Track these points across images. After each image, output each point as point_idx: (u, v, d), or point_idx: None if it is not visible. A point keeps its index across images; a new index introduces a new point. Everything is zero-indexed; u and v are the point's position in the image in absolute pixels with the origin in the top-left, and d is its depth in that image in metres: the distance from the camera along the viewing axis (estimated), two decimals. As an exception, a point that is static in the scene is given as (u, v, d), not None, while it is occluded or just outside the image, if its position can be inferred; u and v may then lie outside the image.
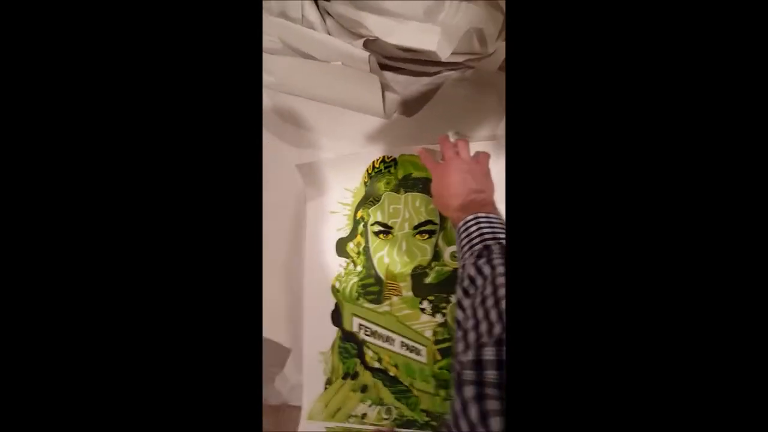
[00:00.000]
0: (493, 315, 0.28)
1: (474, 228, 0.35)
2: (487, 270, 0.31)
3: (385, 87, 0.49)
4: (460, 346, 0.30)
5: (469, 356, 0.27)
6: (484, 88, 0.53)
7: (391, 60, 0.53)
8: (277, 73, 0.49)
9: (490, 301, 0.28)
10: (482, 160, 0.43)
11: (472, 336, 0.28)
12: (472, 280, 0.32)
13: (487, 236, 0.34)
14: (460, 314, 0.32)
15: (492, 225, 0.36)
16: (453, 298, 0.50)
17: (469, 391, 0.25)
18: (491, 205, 0.40)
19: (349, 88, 0.49)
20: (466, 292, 0.32)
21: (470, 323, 0.29)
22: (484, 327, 0.28)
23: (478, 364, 0.26)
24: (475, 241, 0.35)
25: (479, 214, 0.37)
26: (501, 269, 0.30)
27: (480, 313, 0.28)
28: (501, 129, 0.51)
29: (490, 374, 0.25)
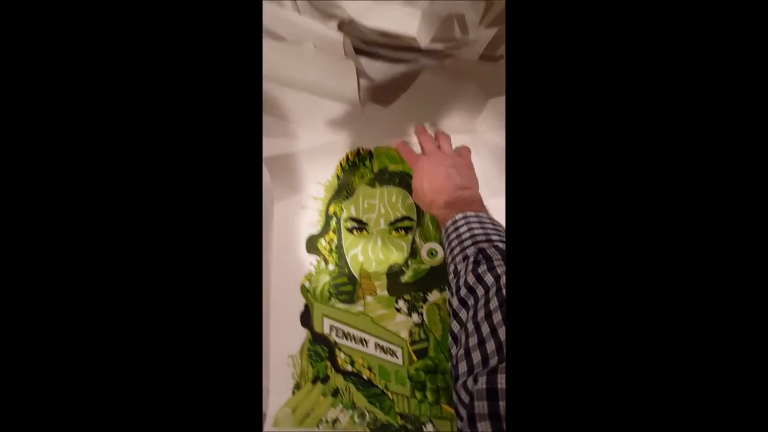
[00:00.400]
0: (502, 333, 0.24)
1: (464, 228, 0.33)
2: (489, 279, 0.28)
3: (359, 73, 0.45)
4: (463, 368, 0.26)
5: (481, 384, 0.23)
6: (463, 78, 0.51)
7: (366, 44, 0.50)
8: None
9: (496, 317, 0.25)
10: (465, 155, 0.40)
11: (477, 356, 0.25)
12: (471, 290, 0.29)
13: (479, 238, 0.32)
14: (456, 327, 0.29)
15: (483, 225, 0.33)
16: (430, 297, 0.48)
17: (485, 427, 0.21)
18: (478, 203, 0.38)
19: (321, 74, 0.46)
20: (464, 303, 0.30)
21: (473, 341, 0.26)
22: (491, 346, 0.24)
23: (493, 394, 0.22)
24: (466, 243, 0.32)
25: (468, 214, 0.34)
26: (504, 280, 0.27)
27: (485, 329, 0.25)
28: (480, 122, 0.49)
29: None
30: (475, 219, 0.34)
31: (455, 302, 0.29)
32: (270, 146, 0.51)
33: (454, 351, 0.27)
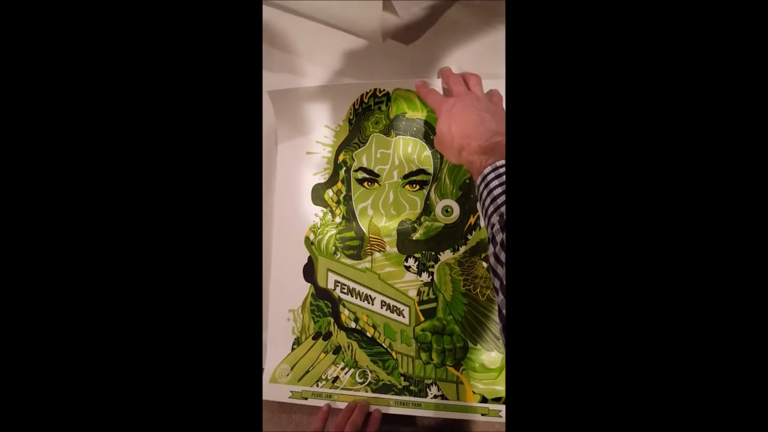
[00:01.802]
0: None
1: None
2: None
3: (384, 4, 0.40)
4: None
5: None
6: (495, 19, 0.45)
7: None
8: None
9: None
10: (497, 100, 0.36)
11: None
12: None
13: None
14: (500, 271, 0.25)
15: None
16: (441, 257, 0.45)
17: None
18: None
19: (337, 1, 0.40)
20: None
21: None
22: None
23: None
24: None
25: None
26: None
27: None
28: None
29: None
30: None
31: (494, 262, 0.25)
32: (273, 81, 0.46)
33: (499, 299, 0.25)
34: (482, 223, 0.30)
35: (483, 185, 0.28)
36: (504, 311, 0.23)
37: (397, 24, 0.43)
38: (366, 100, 0.46)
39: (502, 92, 0.41)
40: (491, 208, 0.26)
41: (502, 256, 0.24)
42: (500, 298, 0.24)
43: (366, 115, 0.46)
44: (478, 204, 0.30)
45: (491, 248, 0.26)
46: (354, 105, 0.46)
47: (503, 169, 0.27)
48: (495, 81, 0.43)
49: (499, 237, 0.25)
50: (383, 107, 0.46)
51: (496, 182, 0.27)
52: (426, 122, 0.45)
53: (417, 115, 0.45)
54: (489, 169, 0.28)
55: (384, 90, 0.45)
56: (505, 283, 0.23)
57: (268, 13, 0.46)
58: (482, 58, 0.44)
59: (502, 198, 0.26)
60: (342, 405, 0.44)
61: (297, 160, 0.47)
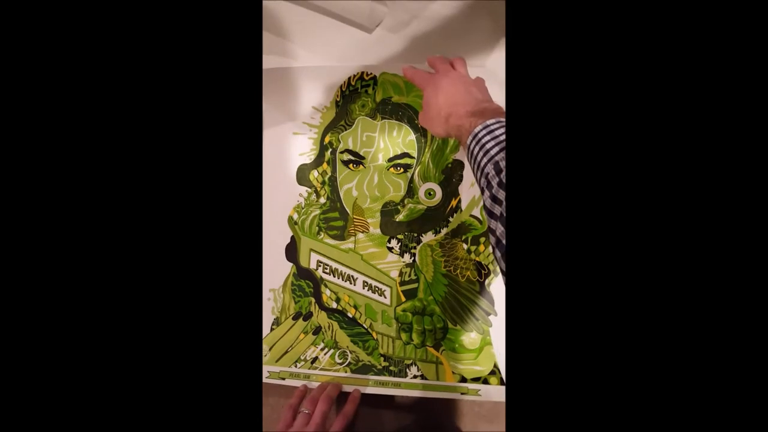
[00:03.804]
0: None
1: (501, 131, 0.28)
2: None
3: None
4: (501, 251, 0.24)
5: None
6: (478, 13, 0.48)
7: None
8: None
9: None
10: (480, 84, 0.37)
11: None
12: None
13: None
14: (493, 222, 0.26)
15: None
16: (424, 238, 0.46)
17: None
18: (505, 115, 0.32)
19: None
20: (498, 200, 0.26)
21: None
22: None
23: None
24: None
25: (502, 119, 0.29)
26: None
27: None
28: (492, 61, 0.47)
29: None
30: None
31: (488, 201, 0.26)
32: (265, 62, 0.47)
33: (493, 241, 0.25)
34: (474, 177, 0.30)
35: (474, 142, 0.29)
36: (504, 240, 0.24)
37: (386, 13, 0.45)
38: (353, 83, 0.47)
39: (486, 79, 0.43)
40: (484, 160, 0.27)
41: (500, 195, 0.25)
42: (501, 229, 0.25)
43: (353, 98, 0.47)
44: (468, 162, 0.31)
45: (486, 193, 0.26)
46: (341, 87, 0.47)
47: (494, 127, 0.28)
48: (479, 69, 0.45)
49: (495, 180, 0.26)
50: (370, 91, 0.47)
51: (488, 137, 0.28)
52: (411, 107, 0.47)
53: (403, 99, 0.47)
54: (480, 127, 0.29)
55: (371, 74, 0.47)
56: (506, 214, 0.24)
57: (260, -3, 0.47)
58: (467, 49, 0.46)
59: (495, 150, 0.27)
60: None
61: (283, 139, 0.48)
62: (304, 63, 0.47)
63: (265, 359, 0.45)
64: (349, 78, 0.47)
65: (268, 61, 0.46)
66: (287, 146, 0.48)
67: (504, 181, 0.25)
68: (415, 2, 0.48)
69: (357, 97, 0.47)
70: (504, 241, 0.24)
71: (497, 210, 0.25)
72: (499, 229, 0.25)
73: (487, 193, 0.26)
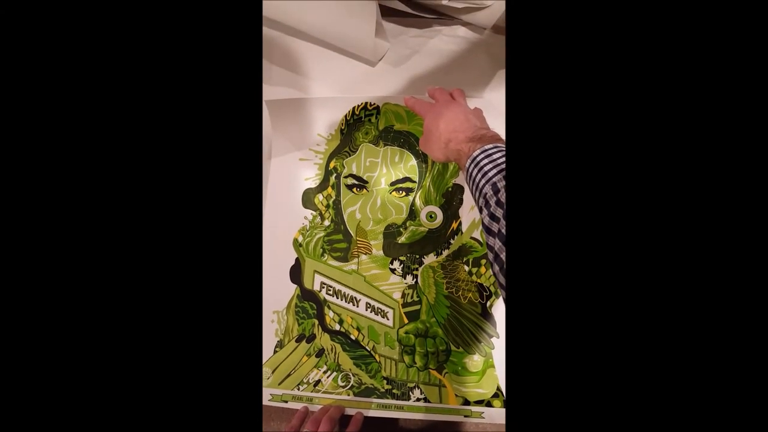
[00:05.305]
0: None
1: (499, 155, 0.29)
2: None
3: (378, 29, 0.45)
4: (498, 267, 0.26)
5: None
6: (475, 48, 0.51)
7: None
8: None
9: None
10: (478, 113, 0.40)
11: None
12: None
13: None
14: (491, 240, 0.27)
15: None
16: (425, 260, 0.47)
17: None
18: (503, 142, 0.33)
19: (340, 21, 0.45)
20: (495, 219, 0.27)
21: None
22: None
23: None
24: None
25: (499, 145, 0.31)
26: None
27: None
28: (488, 91, 0.49)
29: None
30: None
31: (487, 219, 0.27)
32: (271, 93, 0.49)
33: (491, 256, 0.27)
34: (473, 199, 0.32)
35: (473, 165, 0.30)
36: (502, 255, 0.25)
37: (389, 48, 0.48)
38: (357, 113, 0.50)
39: (483, 108, 0.46)
40: (483, 182, 0.29)
41: (498, 213, 0.26)
42: (498, 244, 0.26)
43: (357, 126, 0.50)
44: (467, 185, 0.32)
45: (484, 212, 0.28)
46: (346, 116, 0.50)
47: (492, 152, 0.30)
48: (477, 100, 0.47)
49: (493, 200, 0.27)
50: (373, 119, 0.49)
51: (486, 161, 0.29)
52: (412, 134, 0.49)
53: (404, 127, 0.49)
54: (478, 151, 0.30)
55: (374, 104, 0.49)
56: (504, 231, 0.25)
57: (271, 34, 0.51)
58: (465, 82, 0.49)
59: (493, 172, 0.28)
60: (323, 409, 0.43)
61: (290, 165, 0.50)
62: (312, 94, 0.50)
63: (267, 382, 0.45)
64: (354, 108, 0.49)
65: (279, 93, 0.49)
66: (293, 172, 0.50)
67: (501, 200, 0.27)
68: (415, 38, 0.51)
69: (361, 125, 0.50)
70: (502, 256, 0.25)
71: (495, 227, 0.27)
72: (497, 244, 0.26)
73: (485, 211, 0.28)
